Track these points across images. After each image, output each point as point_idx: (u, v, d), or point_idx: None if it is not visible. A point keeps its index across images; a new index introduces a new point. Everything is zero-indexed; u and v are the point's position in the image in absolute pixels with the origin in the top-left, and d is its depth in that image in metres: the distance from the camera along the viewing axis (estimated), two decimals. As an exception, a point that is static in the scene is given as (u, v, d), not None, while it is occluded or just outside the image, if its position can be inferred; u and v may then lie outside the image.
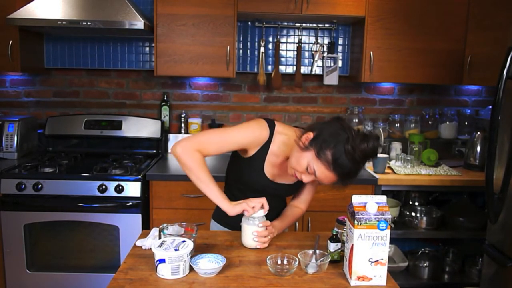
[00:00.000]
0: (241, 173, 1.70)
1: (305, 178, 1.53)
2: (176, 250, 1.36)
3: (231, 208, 1.52)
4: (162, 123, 3.17)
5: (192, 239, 1.48)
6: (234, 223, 1.70)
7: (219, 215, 1.80)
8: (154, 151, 3.16)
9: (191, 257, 1.42)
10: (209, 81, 3.26)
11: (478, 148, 2.90)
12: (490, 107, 2.05)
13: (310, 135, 1.49)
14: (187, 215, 2.63)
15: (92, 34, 3.12)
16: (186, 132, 3.24)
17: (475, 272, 2.87)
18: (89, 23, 2.62)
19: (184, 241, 1.42)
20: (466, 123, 3.29)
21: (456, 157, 3.19)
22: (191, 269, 1.40)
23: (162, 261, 1.35)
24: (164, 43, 2.81)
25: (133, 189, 2.56)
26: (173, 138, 3.23)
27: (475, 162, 2.91)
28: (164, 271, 1.35)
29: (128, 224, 2.56)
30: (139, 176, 2.57)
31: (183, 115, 3.23)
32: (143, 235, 1.69)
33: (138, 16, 2.65)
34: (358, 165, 1.46)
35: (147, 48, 3.20)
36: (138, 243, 1.62)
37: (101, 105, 3.27)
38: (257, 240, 1.58)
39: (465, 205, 2.88)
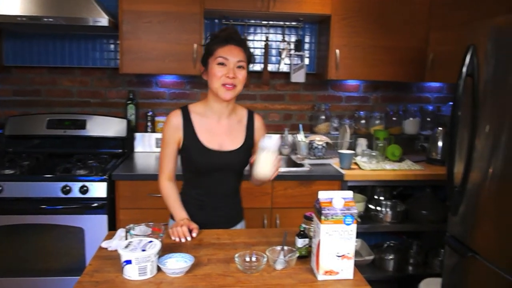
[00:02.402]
0: (186, 161, 1.80)
1: (237, 73, 1.67)
2: (143, 250, 1.34)
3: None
4: (128, 122, 3.12)
5: (160, 239, 1.47)
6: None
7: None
8: (120, 150, 3.10)
9: (159, 257, 1.41)
10: (176, 79, 3.23)
11: (440, 143, 2.99)
12: (451, 103, 2.12)
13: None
14: (155, 215, 2.57)
15: (54, 31, 3.03)
16: (153, 131, 3.20)
17: (437, 263, 2.97)
18: (50, 20, 2.55)
19: (151, 241, 1.41)
20: (428, 119, 3.39)
21: (419, 152, 3.29)
22: (159, 269, 1.39)
23: (128, 262, 1.33)
24: (129, 40, 2.76)
25: (98, 189, 2.50)
26: (139, 137, 3.19)
27: (437, 156, 3.01)
28: (131, 272, 1.34)
29: (93, 225, 2.51)
30: (105, 176, 2.52)
31: (149, 114, 3.19)
32: (109, 236, 1.66)
33: (102, 12, 2.59)
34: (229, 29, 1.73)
35: (112, 46, 3.13)
36: (104, 244, 1.59)
37: (64, 104, 3.18)
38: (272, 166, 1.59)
39: (428, 198, 2.97)
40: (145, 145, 3.20)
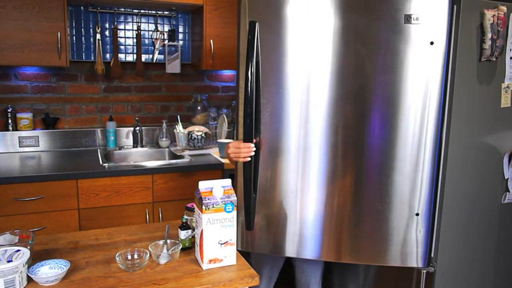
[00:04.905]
0: None
1: None
2: (9, 261, 1.22)
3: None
4: (-16, 120, 2.77)
5: (29, 247, 1.35)
6: None
7: None
8: (-24, 152, 2.76)
9: (29, 267, 1.29)
10: (39, 71, 2.95)
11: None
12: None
13: None
14: (23, 221, 2.36)
15: None
16: (15, 129, 2.89)
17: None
18: None
19: (18, 250, 1.28)
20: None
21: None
22: (31, 279, 1.28)
23: (-8, 276, 1.20)
24: (-22, 28, 2.45)
25: (-50, 198, 2.20)
26: (-1, 136, 2.86)
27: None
28: (-4, 287, 1.21)
29: None
30: (-42, 183, 2.22)
31: (9, 110, 2.87)
32: (-33, 250, 1.47)
33: None
34: None
35: (-43, 34, 2.74)
36: (-39, 260, 1.41)
37: None
38: None
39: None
40: (7, 145, 2.88)
